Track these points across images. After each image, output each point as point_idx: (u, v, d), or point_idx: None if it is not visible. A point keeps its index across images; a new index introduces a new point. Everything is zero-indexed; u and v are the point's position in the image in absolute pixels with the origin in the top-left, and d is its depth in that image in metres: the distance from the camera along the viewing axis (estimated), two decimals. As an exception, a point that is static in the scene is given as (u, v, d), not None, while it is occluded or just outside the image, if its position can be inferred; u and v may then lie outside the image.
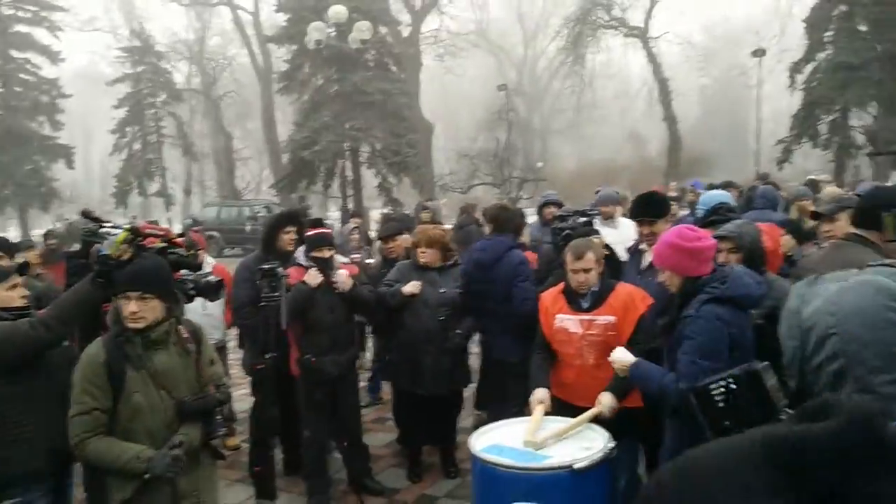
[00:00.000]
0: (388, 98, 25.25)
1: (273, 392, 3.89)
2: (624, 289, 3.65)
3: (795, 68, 24.49)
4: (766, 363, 1.87)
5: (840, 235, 3.59)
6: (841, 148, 22.69)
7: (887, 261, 1.97)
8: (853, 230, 3.23)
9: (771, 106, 27.60)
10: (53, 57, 30.20)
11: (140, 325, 2.68)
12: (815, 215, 3.89)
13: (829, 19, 23.31)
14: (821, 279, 1.98)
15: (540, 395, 3.53)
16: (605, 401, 3.30)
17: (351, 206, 22.86)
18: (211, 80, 38.98)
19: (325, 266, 4.45)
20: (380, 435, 5.73)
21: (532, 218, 8.15)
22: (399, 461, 5.17)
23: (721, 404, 2.07)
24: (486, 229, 5.56)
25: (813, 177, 12.10)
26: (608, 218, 5.99)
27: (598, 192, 9.61)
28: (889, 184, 9.89)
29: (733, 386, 1.46)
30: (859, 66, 21.75)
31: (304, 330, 4.41)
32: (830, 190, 5.21)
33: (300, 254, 4.57)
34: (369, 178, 27.40)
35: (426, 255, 4.73)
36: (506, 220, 4.81)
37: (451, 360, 4.69)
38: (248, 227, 22.28)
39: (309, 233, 4.55)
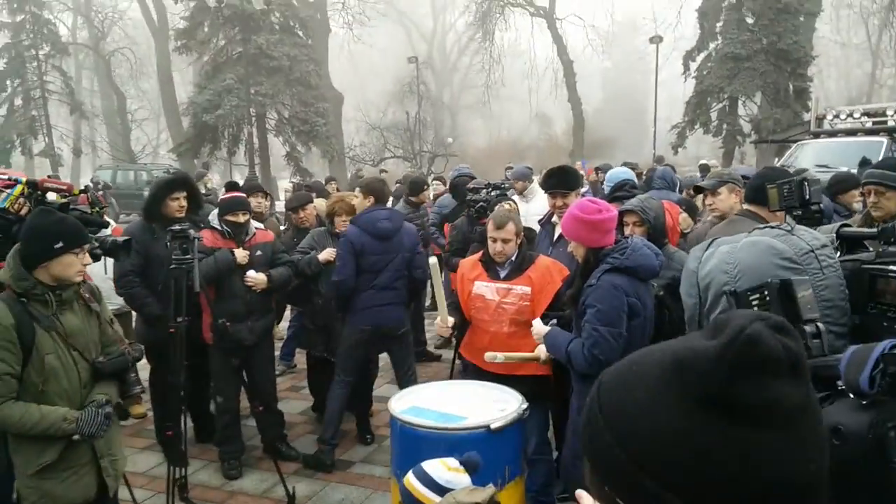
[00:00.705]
0: (295, 64, 24.54)
1: (182, 358, 3.78)
2: (543, 261, 3.79)
3: (689, 56, 25.78)
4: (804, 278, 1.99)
5: (724, 209, 3.94)
6: (729, 135, 24.20)
7: (773, 223, 2.18)
8: (744, 207, 3.55)
9: (667, 92, 28.94)
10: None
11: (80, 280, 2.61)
12: (698, 189, 4.23)
13: (719, 10, 24.63)
14: (715, 243, 2.18)
15: (448, 320, 3.75)
16: (543, 351, 3.48)
17: (259, 175, 22.17)
18: (99, 35, 36.32)
19: (240, 231, 4.37)
20: (294, 403, 5.72)
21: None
22: (314, 428, 5.18)
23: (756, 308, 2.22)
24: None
25: (704, 161, 12.96)
26: (521, 192, 6.18)
27: (508, 167, 9.93)
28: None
29: (768, 296, 1.57)
30: (746, 57, 23.18)
31: (218, 296, 4.32)
32: (715, 170, 5.67)
33: (213, 217, 4.45)
34: (277, 147, 26.62)
35: (346, 224, 4.74)
36: (384, 193, 4.81)
37: None
38: (146, 192, 21.11)
39: (224, 196, 4.45)
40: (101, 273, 4.44)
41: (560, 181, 4.36)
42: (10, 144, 29.19)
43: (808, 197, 2.37)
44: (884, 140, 9.82)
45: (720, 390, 0.67)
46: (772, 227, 1.99)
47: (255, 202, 5.58)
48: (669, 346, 0.75)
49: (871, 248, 1.91)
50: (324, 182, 10.09)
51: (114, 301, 4.67)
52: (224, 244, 4.36)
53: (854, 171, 6.10)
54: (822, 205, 2.46)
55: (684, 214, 5.19)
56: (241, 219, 4.38)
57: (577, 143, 31.23)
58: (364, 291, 4.48)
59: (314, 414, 5.40)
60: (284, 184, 19.37)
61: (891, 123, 10.74)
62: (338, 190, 8.36)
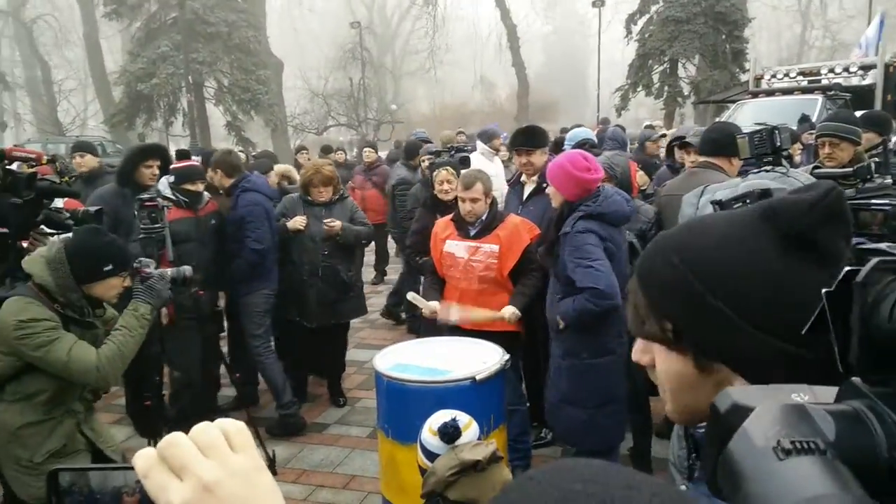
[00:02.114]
0: (234, 29, 23.76)
1: (156, 328, 3.73)
2: (512, 220, 3.88)
3: (631, 20, 26.13)
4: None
5: (692, 164, 4.12)
6: (670, 97, 24.76)
7: (767, 167, 2.30)
8: (702, 159, 3.72)
9: (608, 56, 29.28)
10: None
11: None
12: (683, 144, 4.45)
13: (661, -27, 25.00)
14: (708, 189, 2.27)
15: (432, 306, 3.82)
16: (508, 312, 3.64)
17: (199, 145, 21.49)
18: (19, 1, 34.20)
19: (196, 201, 4.32)
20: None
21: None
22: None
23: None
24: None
25: (649, 123, 13.28)
26: (496, 150, 6.29)
27: (460, 132, 9.99)
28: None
29: (749, 203, 1.68)
30: (686, 20, 23.66)
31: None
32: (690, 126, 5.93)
33: (164, 185, 4.33)
34: (217, 117, 25.82)
35: (324, 194, 4.74)
36: (235, 166, 4.78)
37: (336, 293, 4.75)
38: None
39: (177, 165, 4.37)
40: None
41: (524, 139, 4.43)
42: (-76, 119, 27.48)
43: (778, 144, 2.51)
44: (819, 98, 10.26)
45: (810, 230, 0.76)
46: (768, 171, 2.10)
47: (209, 175, 5.44)
48: (747, 207, 0.87)
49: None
50: (295, 152, 10.04)
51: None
52: (180, 214, 4.26)
53: (794, 127, 6.42)
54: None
55: (640, 172, 5.38)
56: (200, 187, 4.34)
57: (521, 107, 31.42)
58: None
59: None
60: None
61: (825, 82, 11.21)
62: (309, 160, 8.32)
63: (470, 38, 35.47)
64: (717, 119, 14.32)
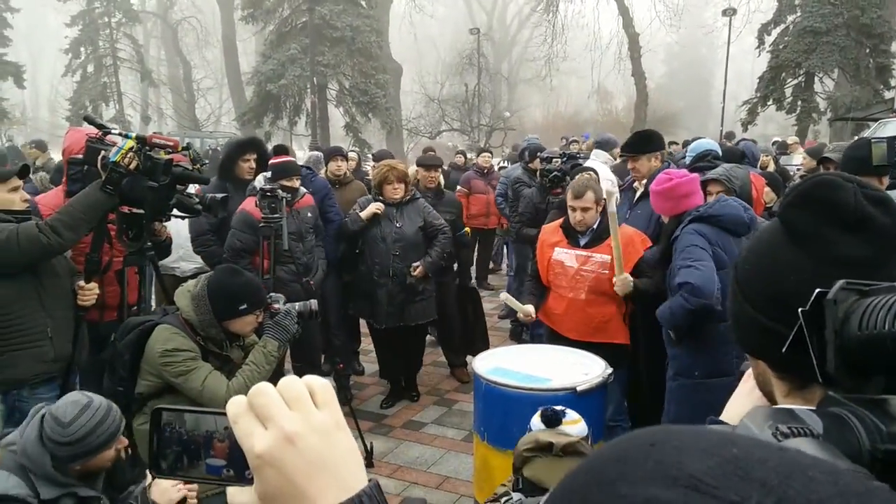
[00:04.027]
0: (358, 34, 24.56)
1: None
2: (626, 230, 3.75)
3: (764, 30, 24.70)
4: None
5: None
6: (804, 112, 23.18)
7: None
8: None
9: (734, 67, 27.84)
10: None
11: None
12: (823, 161, 4.21)
13: (800, -18, 23.47)
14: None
15: (527, 309, 3.81)
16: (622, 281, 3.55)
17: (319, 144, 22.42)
18: (167, 3, 37.12)
19: (293, 196, 4.42)
20: (365, 365, 5.81)
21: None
22: (383, 390, 5.28)
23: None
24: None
25: (778, 139, 12.55)
26: (616, 159, 6.26)
27: (563, 139, 9.90)
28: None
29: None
30: (825, 31, 22.07)
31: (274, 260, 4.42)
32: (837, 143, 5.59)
33: (260, 181, 4.42)
34: (337, 118, 26.84)
35: (398, 191, 4.75)
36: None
37: (405, 294, 4.76)
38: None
39: (274, 160, 4.50)
40: (186, 233, 4.59)
41: (630, 145, 4.34)
42: (82, 110, 30.27)
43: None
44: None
45: (782, 213, 0.81)
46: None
47: (336, 165, 5.68)
48: None
49: None
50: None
51: (194, 259, 4.81)
52: None
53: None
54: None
55: (768, 188, 5.05)
56: (296, 183, 4.47)
57: (638, 118, 30.44)
58: None
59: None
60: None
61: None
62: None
63: (589, 46, 34.78)
64: (854, 138, 13.27)
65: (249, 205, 4.27)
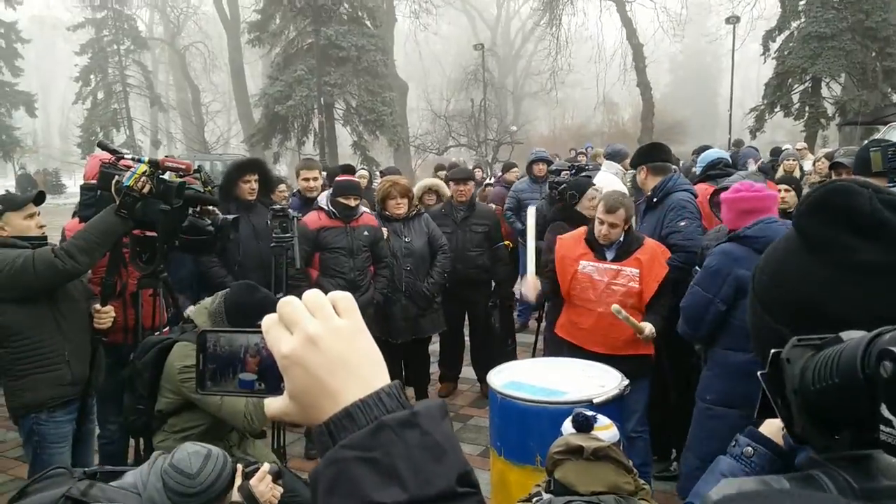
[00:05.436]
0: (363, 53, 24.82)
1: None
2: (650, 243, 3.74)
3: (769, 36, 24.71)
4: None
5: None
6: (811, 118, 23.10)
7: None
8: (862, 180, 3.47)
9: (740, 75, 27.85)
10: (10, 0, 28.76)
11: None
12: (834, 165, 4.20)
13: (803, -13, 23.49)
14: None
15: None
16: (648, 328, 3.54)
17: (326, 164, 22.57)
18: (175, 29, 37.69)
19: (350, 214, 4.51)
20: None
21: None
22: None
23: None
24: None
25: (788, 145, 12.50)
26: (626, 170, 6.31)
27: (572, 150, 9.94)
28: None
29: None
30: (830, 35, 22.05)
31: (322, 272, 4.49)
32: (847, 148, 5.65)
33: (323, 198, 4.60)
34: (344, 137, 27.03)
35: (401, 206, 4.81)
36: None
37: (418, 308, 4.82)
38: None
39: (339, 178, 4.66)
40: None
41: (635, 157, 4.44)
42: (94, 137, 30.69)
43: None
44: None
45: (797, 221, 0.82)
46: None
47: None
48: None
49: None
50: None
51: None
52: (330, 224, 4.49)
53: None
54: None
55: (791, 192, 4.98)
56: (353, 203, 4.54)
57: (645, 129, 30.45)
58: None
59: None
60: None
61: None
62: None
63: (593, 58, 34.92)
64: (863, 143, 13.21)
65: (314, 217, 4.51)
